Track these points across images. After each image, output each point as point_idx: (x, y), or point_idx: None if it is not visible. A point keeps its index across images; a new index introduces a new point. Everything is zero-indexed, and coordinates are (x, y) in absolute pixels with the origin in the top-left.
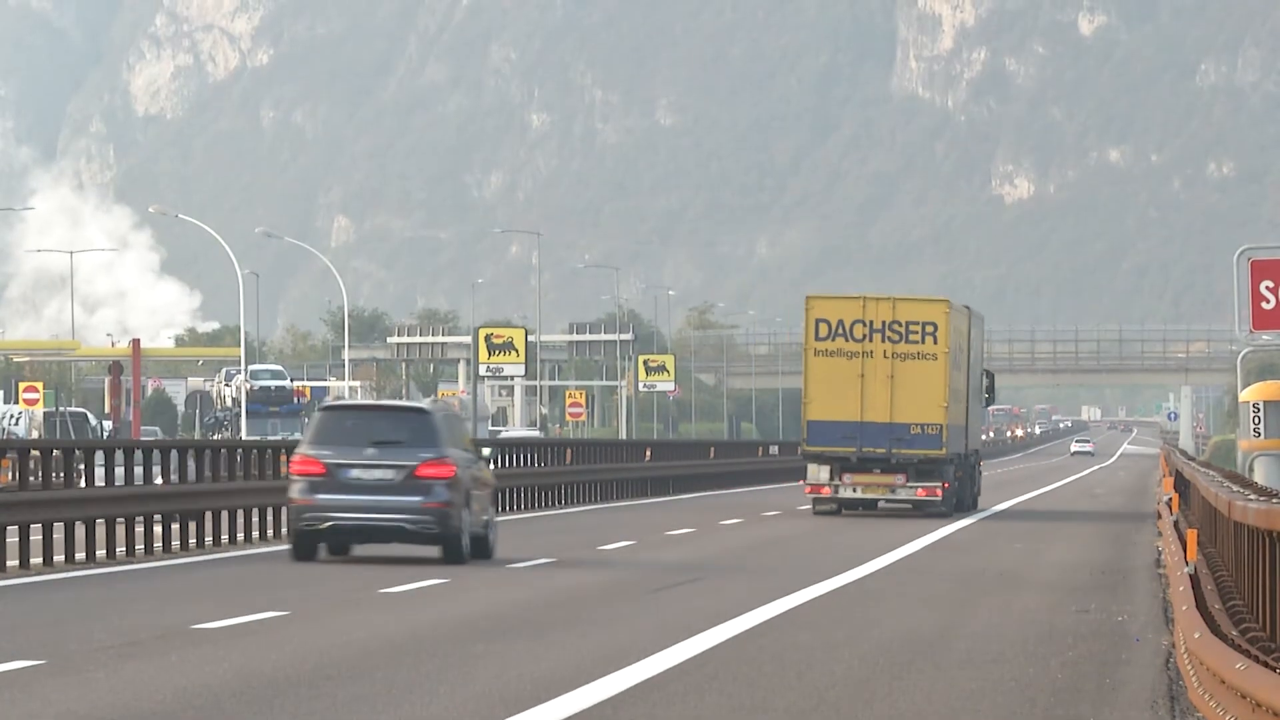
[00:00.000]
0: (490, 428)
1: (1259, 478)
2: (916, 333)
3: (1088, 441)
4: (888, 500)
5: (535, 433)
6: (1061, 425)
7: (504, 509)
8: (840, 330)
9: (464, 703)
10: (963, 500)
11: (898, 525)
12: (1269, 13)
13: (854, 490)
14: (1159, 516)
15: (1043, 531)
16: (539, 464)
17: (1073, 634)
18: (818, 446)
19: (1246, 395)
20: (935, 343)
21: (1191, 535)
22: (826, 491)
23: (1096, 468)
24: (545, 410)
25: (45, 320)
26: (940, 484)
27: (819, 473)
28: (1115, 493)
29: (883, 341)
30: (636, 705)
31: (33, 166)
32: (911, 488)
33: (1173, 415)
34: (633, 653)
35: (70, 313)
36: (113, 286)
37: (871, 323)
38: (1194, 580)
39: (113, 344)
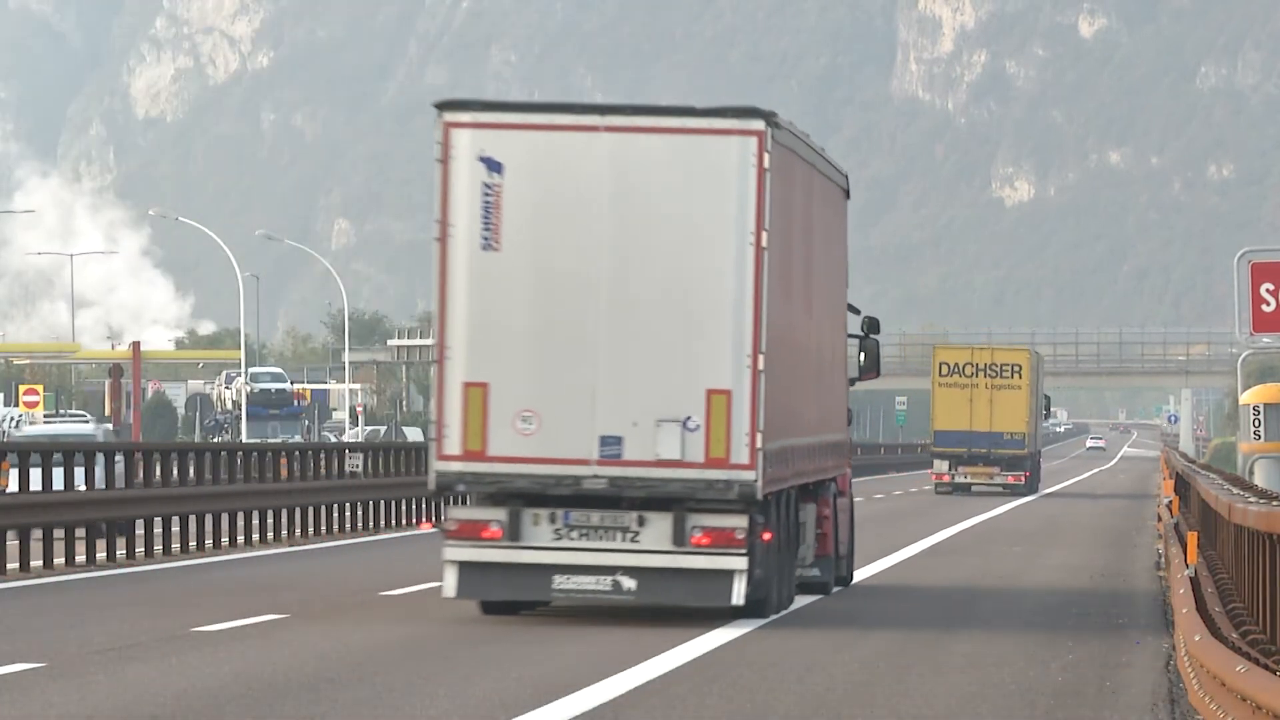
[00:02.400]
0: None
1: (1259, 480)
2: (1007, 371)
3: (1100, 438)
4: (986, 484)
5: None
6: (1060, 429)
7: None
8: (956, 369)
9: (464, 705)
10: (1032, 486)
11: (900, 528)
12: (1269, 15)
13: (965, 478)
14: (1159, 519)
15: (1049, 529)
16: None
17: (1073, 636)
18: (941, 448)
19: (1247, 398)
20: (1020, 378)
21: (1192, 538)
22: (946, 478)
23: (1098, 469)
24: None
25: (34, 321)
26: (1023, 473)
27: (941, 465)
28: (1115, 494)
29: (985, 376)
30: (636, 708)
31: (31, 168)
32: (1004, 475)
33: (1173, 418)
34: (633, 656)
35: (57, 313)
36: (102, 287)
37: (977, 364)
38: (1194, 583)
39: (113, 347)
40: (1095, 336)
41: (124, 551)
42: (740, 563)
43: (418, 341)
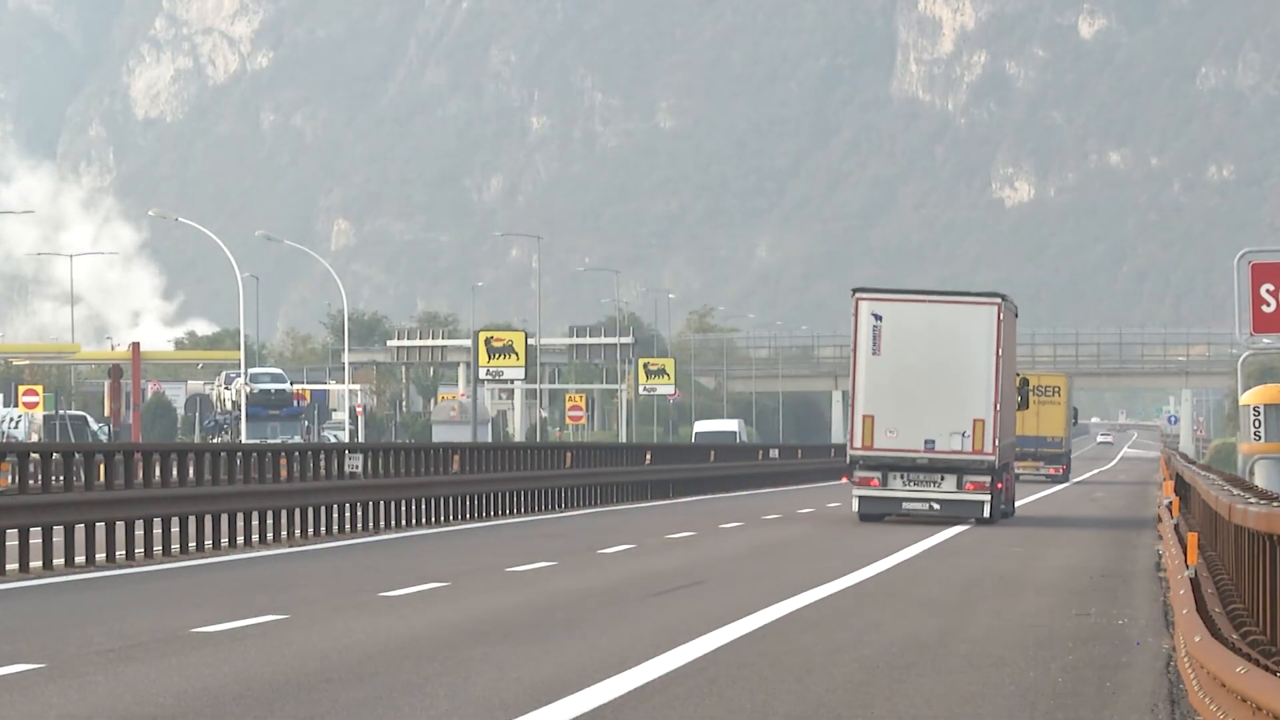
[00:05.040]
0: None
1: (1260, 481)
2: (1049, 390)
3: (1108, 435)
4: (1033, 474)
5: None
6: None
7: (504, 512)
8: None
9: (463, 706)
10: (1066, 476)
11: (902, 529)
12: (1269, 16)
13: (1017, 469)
14: (1159, 520)
15: (1045, 534)
16: (538, 467)
17: (1073, 637)
18: None
19: (1247, 398)
20: (1059, 395)
21: (1192, 539)
22: None
23: (1097, 470)
24: (545, 413)
25: (24, 319)
26: (1061, 466)
27: None
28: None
29: (1032, 394)
30: (636, 710)
31: (21, 160)
32: (1046, 468)
33: (1173, 418)
34: (633, 657)
35: (44, 311)
36: (89, 283)
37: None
38: (1194, 584)
39: (112, 347)
40: (1095, 337)
41: (124, 551)
42: (987, 497)
43: (417, 342)
